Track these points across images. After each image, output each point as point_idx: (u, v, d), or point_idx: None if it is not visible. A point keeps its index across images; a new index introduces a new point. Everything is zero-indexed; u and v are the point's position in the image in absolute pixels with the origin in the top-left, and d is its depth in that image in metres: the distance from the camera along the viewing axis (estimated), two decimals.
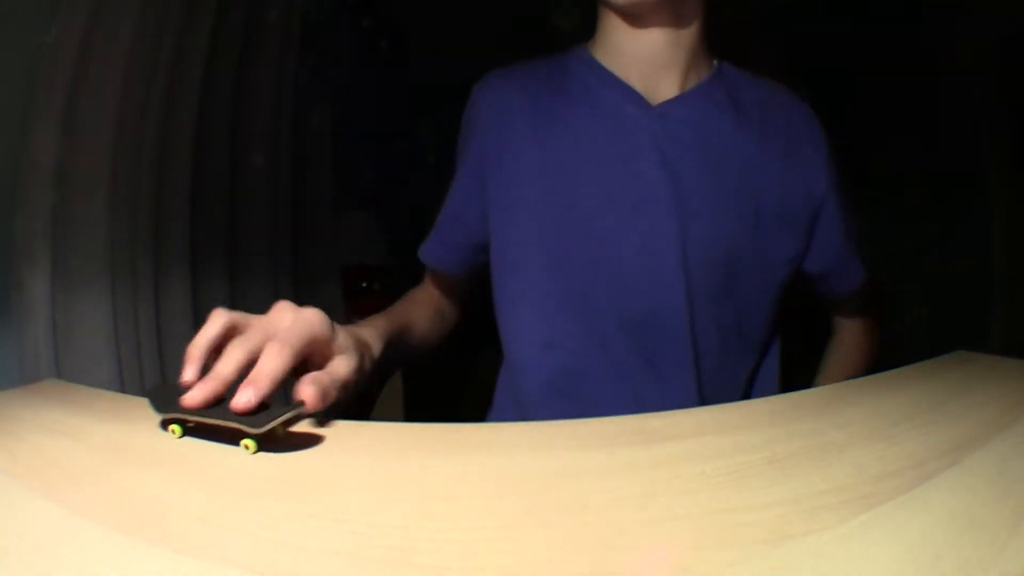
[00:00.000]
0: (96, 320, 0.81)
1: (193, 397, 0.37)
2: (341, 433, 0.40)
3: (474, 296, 0.79)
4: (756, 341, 0.67)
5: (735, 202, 0.63)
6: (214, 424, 0.37)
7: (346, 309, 1.50)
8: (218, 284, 1.08)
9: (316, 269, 1.38)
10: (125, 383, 0.84)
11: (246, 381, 0.38)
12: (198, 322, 1.03)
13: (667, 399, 0.61)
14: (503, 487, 0.31)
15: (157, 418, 0.39)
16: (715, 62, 0.68)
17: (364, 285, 1.61)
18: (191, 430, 0.38)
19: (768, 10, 1.10)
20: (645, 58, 0.64)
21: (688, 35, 0.63)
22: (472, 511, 0.29)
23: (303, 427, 0.41)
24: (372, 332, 0.55)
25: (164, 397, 0.39)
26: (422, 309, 0.75)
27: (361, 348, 0.50)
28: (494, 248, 0.69)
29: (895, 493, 0.28)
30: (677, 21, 0.62)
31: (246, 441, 0.36)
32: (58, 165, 0.76)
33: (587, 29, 0.69)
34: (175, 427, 0.38)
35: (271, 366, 0.39)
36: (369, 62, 1.62)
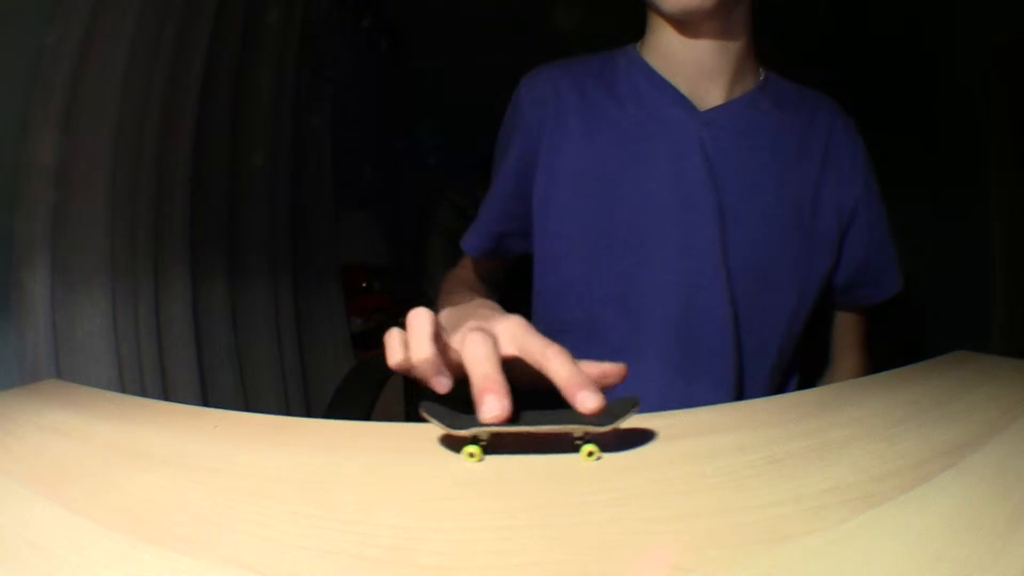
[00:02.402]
0: (96, 320, 0.81)
1: (495, 409, 0.33)
2: (341, 433, 0.40)
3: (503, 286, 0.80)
4: (785, 358, 0.67)
5: (773, 214, 0.63)
6: (536, 433, 0.33)
7: (346, 309, 1.50)
8: (218, 284, 1.08)
9: (316, 269, 1.39)
10: (125, 383, 0.84)
11: (581, 384, 0.34)
12: (198, 322, 1.04)
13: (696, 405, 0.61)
14: (503, 487, 0.31)
15: (441, 436, 0.35)
16: (762, 71, 0.69)
17: (364, 285, 1.61)
18: (489, 448, 0.34)
19: (768, 12, 1.10)
20: (693, 64, 0.64)
21: (736, 44, 0.64)
22: (472, 511, 0.29)
23: (303, 427, 0.41)
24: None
25: (446, 414, 0.35)
26: (476, 289, 0.76)
27: None
28: (537, 241, 0.69)
29: (895, 493, 0.28)
30: (726, 30, 0.63)
31: (589, 447, 0.33)
32: (58, 165, 0.76)
33: (589, 28, 0.68)
34: (474, 449, 0.34)
35: (574, 368, 0.36)
36: (369, 62, 1.62)
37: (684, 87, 0.65)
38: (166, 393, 0.94)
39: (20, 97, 0.73)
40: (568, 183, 0.66)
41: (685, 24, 0.63)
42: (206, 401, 1.04)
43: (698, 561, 0.24)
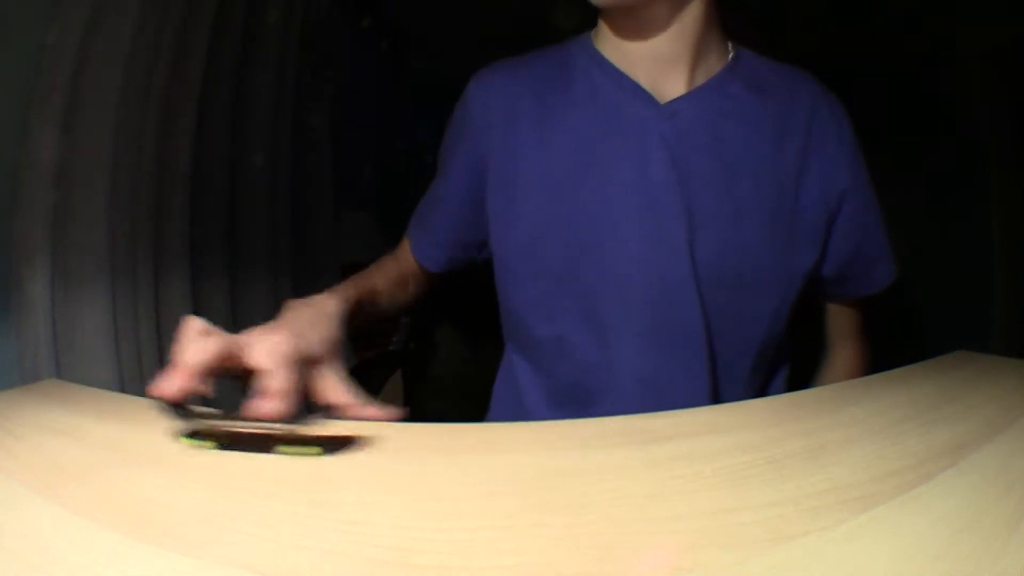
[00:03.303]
0: (96, 320, 0.81)
1: (171, 384, 0.36)
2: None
3: (472, 295, 0.78)
4: (767, 357, 0.63)
5: (749, 211, 0.59)
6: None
7: None
8: (218, 284, 1.07)
9: (316, 268, 1.38)
10: (125, 383, 0.84)
11: (270, 395, 0.37)
12: None
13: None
14: (503, 487, 0.31)
15: (179, 428, 0.38)
16: (730, 50, 0.63)
17: None
18: (226, 444, 0.37)
19: (767, 9, 1.10)
20: (647, 54, 0.60)
21: (691, 27, 0.59)
22: (472, 511, 0.29)
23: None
24: (340, 305, 0.53)
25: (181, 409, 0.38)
26: (388, 278, 0.70)
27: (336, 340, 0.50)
28: (496, 252, 0.66)
29: (895, 493, 0.28)
30: (674, 14, 0.58)
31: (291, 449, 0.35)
32: (58, 165, 0.76)
33: (588, 28, 0.68)
34: (209, 442, 0.37)
35: (282, 384, 0.38)
36: (369, 62, 1.62)
37: (642, 78, 0.60)
38: None
39: (20, 97, 0.73)
40: (524, 191, 0.62)
41: (613, 13, 0.59)
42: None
43: (698, 561, 0.24)
